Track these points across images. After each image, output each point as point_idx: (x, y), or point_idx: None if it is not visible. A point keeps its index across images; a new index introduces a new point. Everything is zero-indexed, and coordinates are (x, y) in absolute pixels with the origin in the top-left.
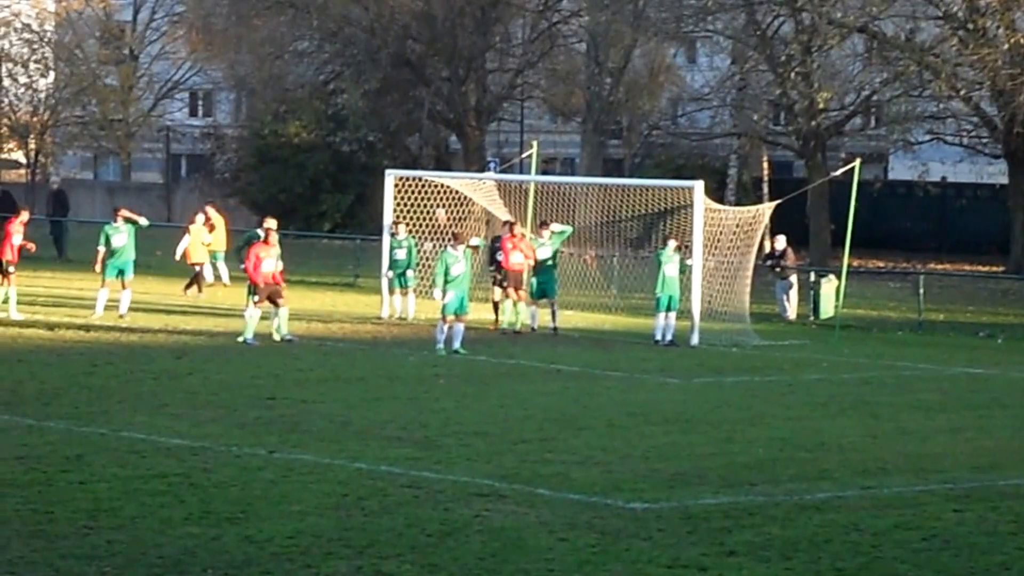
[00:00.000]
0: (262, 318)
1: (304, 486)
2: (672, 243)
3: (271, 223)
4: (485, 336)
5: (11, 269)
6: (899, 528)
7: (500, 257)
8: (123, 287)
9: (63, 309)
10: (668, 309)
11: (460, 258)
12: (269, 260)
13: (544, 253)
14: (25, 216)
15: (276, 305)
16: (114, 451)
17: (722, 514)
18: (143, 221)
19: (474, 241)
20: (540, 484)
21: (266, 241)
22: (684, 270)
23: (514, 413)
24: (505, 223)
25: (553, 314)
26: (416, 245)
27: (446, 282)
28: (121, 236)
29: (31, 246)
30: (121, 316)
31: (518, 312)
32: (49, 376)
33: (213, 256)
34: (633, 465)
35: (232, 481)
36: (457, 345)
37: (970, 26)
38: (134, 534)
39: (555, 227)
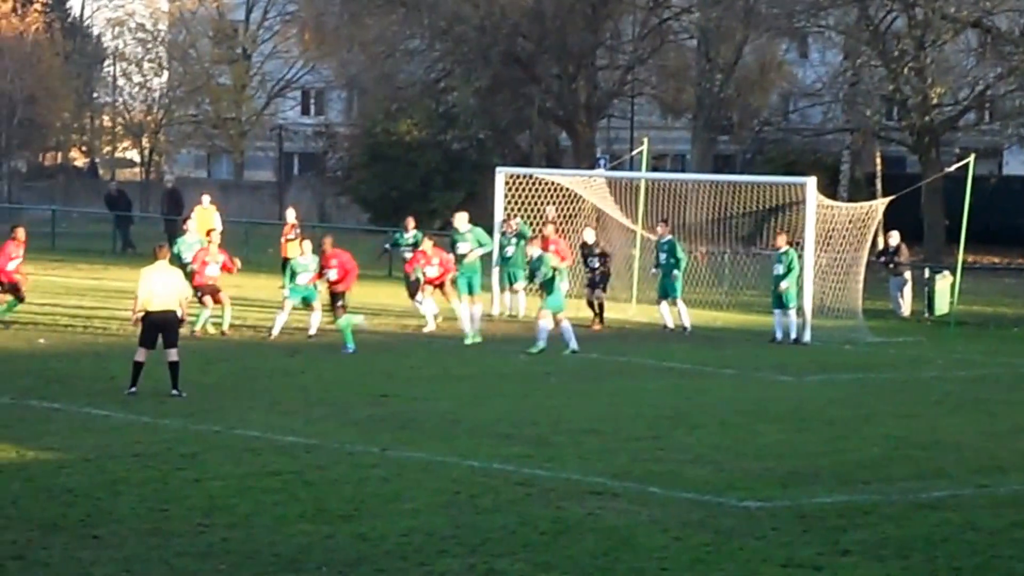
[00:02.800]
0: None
1: (417, 484)
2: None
3: (428, 243)
4: (594, 334)
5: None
6: (1016, 527)
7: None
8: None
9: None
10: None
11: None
12: (431, 268)
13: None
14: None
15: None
16: (229, 449)
17: (836, 513)
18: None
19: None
20: (652, 482)
21: (423, 251)
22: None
23: (625, 411)
24: (542, 224)
25: (674, 314)
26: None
27: None
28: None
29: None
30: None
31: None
32: (164, 374)
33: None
34: (746, 463)
35: (345, 479)
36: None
37: None
38: (249, 532)
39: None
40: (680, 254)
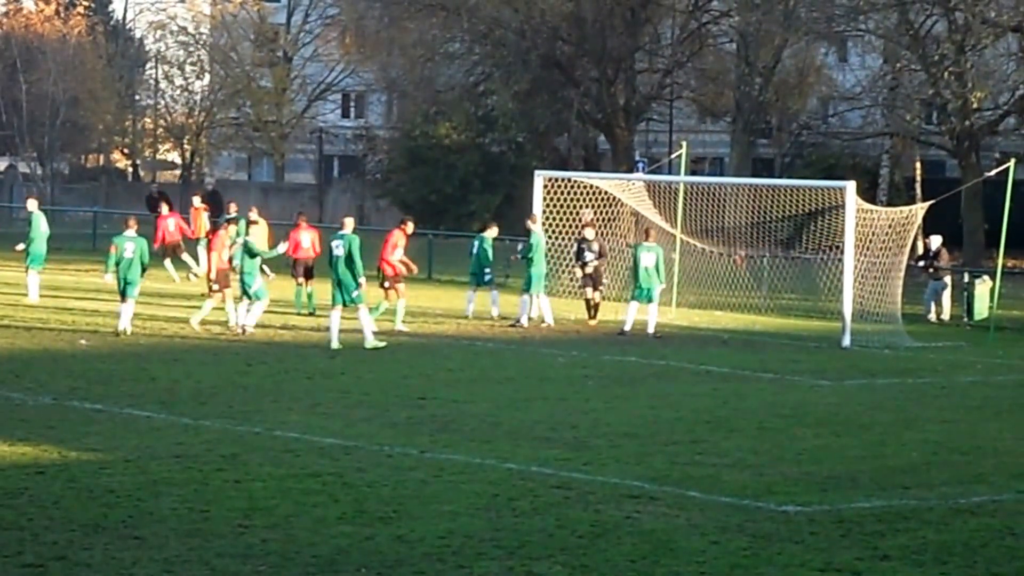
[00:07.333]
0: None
1: (455, 486)
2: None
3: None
4: (633, 337)
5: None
6: None
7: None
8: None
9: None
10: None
11: None
12: None
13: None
14: (410, 227)
15: None
16: (268, 450)
17: (875, 518)
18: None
19: None
20: (691, 486)
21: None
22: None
23: (664, 414)
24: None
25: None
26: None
27: None
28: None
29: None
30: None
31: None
32: (205, 375)
33: (198, 242)
34: (785, 468)
35: (384, 480)
36: None
37: None
38: (288, 533)
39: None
40: (533, 250)
